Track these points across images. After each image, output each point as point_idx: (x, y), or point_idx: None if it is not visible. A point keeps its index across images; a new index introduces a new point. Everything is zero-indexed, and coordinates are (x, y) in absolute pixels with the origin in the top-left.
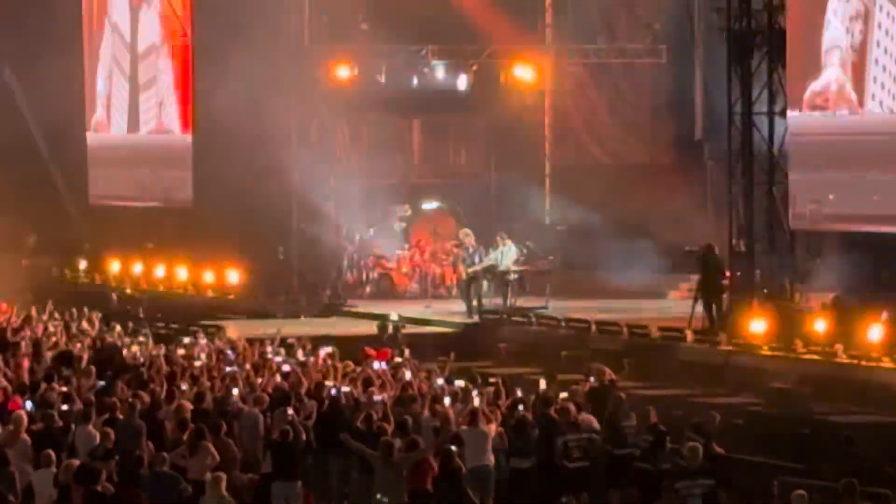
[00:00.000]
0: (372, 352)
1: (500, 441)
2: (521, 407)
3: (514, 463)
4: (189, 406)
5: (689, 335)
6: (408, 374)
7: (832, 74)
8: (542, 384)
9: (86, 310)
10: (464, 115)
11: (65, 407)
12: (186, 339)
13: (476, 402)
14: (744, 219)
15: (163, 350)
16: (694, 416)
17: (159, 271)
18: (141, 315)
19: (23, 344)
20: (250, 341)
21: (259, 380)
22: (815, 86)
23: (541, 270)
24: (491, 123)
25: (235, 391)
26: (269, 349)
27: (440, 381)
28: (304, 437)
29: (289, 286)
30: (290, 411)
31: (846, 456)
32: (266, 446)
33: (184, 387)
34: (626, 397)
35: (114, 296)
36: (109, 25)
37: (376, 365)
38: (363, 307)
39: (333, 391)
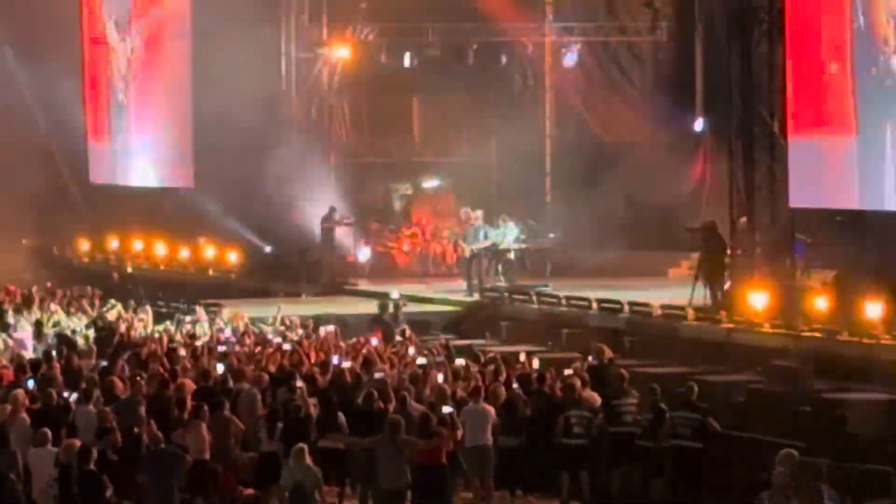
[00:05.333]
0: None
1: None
2: (515, 385)
3: (503, 441)
4: (190, 384)
5: (691, 313)
6: (412, 351)
7: None
8: (535, 362)
9: (87, 289)
10: (464, 93)
11: (65, 387)
12: (187, 318)
13: (477, 379)
14: (745, 196)
15: (163, 329)
16: (687, 392)
17: (160, 250)
18: (142, 294)
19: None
20: (251, 321)
21: (258, 349)
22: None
23: (542, 249)
24: (491, 102)
25: (221, 367)
26: (269, 328)
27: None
28: (312, 413)
29: (289, 266)
30: (300, 383)
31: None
32: (271, 424)
33: (185, 365)
34: (629, 375)
35: (115, 275)
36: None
37: (374, 342)
38: (364, 286)
39: (335, 368)
